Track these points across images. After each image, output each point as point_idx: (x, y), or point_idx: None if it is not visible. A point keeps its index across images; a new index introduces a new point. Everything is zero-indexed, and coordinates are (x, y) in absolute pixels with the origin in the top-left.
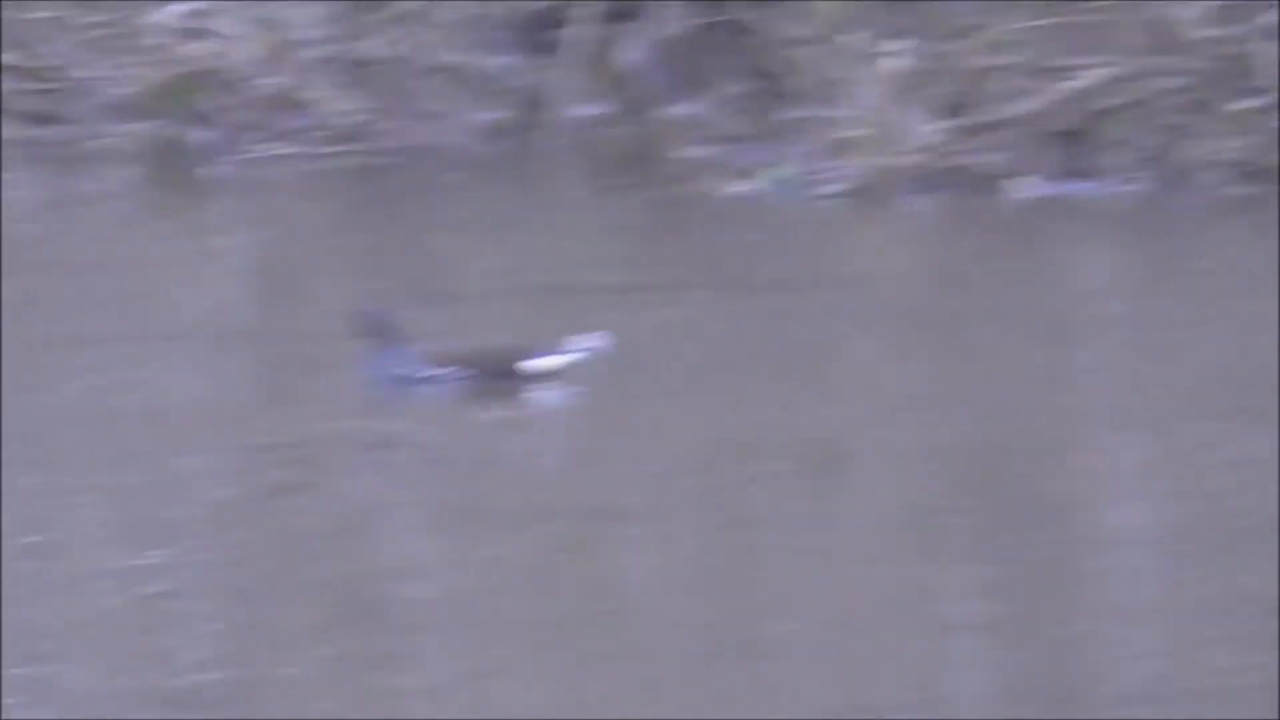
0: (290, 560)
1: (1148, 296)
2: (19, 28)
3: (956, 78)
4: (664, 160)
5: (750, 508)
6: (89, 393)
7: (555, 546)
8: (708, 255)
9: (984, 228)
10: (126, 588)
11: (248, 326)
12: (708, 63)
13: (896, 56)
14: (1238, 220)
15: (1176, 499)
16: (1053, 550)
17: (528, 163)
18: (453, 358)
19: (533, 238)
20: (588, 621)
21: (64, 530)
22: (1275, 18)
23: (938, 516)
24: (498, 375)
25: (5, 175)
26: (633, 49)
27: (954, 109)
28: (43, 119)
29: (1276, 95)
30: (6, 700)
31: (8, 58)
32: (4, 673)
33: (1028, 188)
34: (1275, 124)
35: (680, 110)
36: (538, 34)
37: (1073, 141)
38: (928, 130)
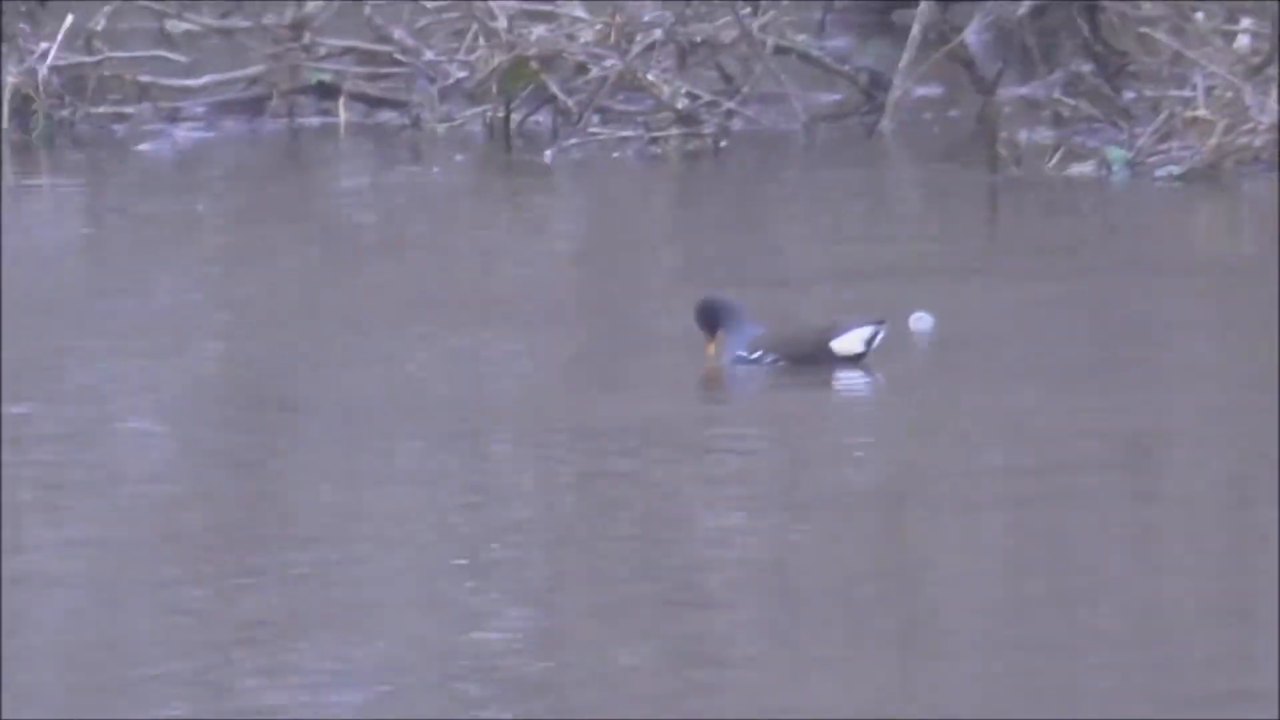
0: (607, 547)
1: None
2: (357, 17)
3: None
4: (1003, 142)
5: (1069, 495)
6: (414, 375)
7: (870, 532)
8: (1045, 238)
9: None
10: (439, 571)
11: (581, 309)
12: (1048, 43)
13: (1245, 35)
14: None
15: None
16: None
17: (866, 144)
18: (769, 342)
19: (870, 220)
20: (901, 609)
21: (380, 511)
22: None
23: (1262, 508)
24: (813, 358)
25: (343, 163)
26: (973, 30)
27: None
28: (381, 103)
29: None
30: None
31: (351, 42)
32: (311, 663)
33: None
34: None
35: (1020, 91)
36: (878, 15)
37: None
38: (1275, 109)
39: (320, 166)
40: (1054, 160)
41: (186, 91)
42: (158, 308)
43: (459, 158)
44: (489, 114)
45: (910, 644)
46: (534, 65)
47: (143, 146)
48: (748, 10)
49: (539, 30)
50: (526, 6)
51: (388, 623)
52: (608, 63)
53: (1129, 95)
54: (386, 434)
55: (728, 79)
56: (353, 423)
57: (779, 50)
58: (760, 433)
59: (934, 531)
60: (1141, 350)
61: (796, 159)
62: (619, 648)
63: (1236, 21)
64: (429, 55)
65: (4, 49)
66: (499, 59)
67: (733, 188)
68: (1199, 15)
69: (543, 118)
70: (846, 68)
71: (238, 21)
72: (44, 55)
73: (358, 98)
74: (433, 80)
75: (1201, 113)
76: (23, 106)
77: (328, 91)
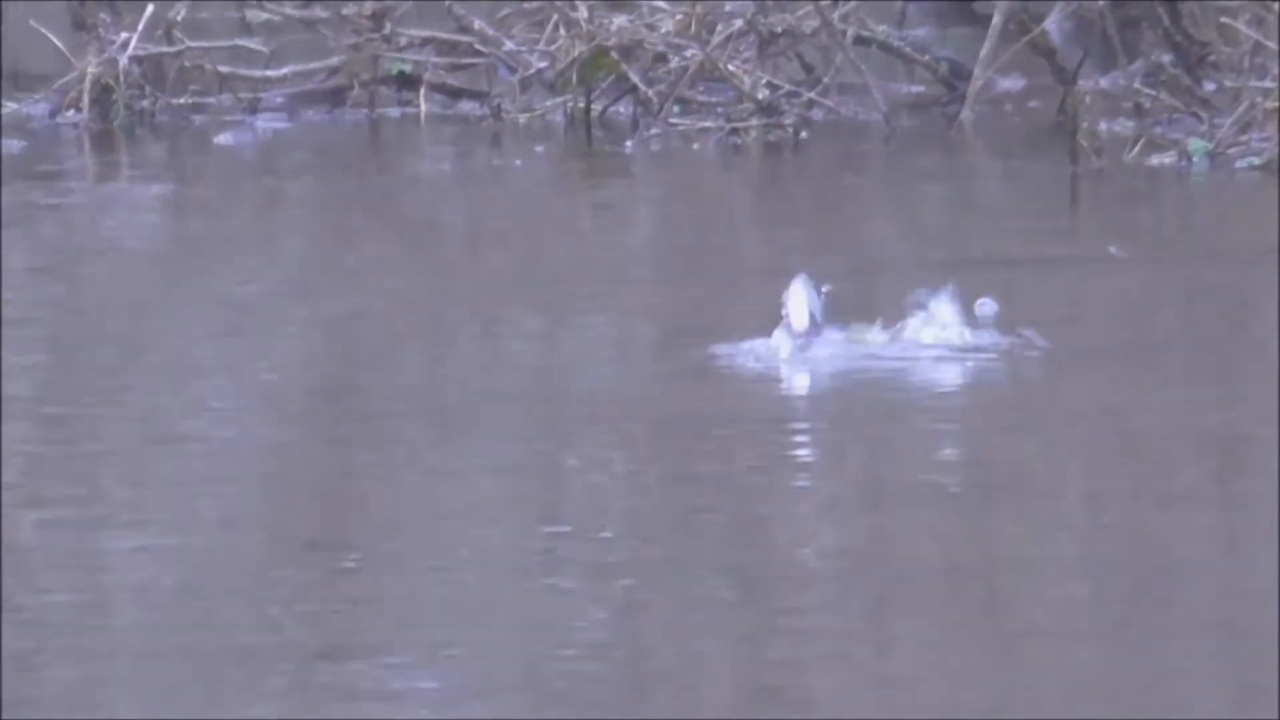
0: (684, 542)
1: None
2: (437, 8)
3: None
4: (1083, 132)
5: (1149, 492)
6: (487, 369)
7: (949, 526)
8: (1126, 228)
9: None
10: (517, 567)
11: (655, 301)
12: (1129, 33)
13: None
14: None
15: None
16: None
17: (947, 135)
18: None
19: (950, 211)
20: (986, 603)
21: (458, 507)
22: None
23: None
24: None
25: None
26: (1054, 20)
27: None
28: (462, 93)
29: None
30: (381, 676)
31: (431, 32)
32: (382, 658)
33: None
34: None
35: (1100, 82)
36: (959, 5)
37: None
38: None
39: (401, 157)
40: (1134, 151)
41: (266, 82)
42: (238, 299)
43: (539, 148)
44: (569, 104)
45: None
46: (614, 55)
47: (222, 137)
48: (828, 0)
49: (619, 20)
50: None
51: (465, 621)
52: (688, 53)
53: (1209, 86)
54: (469, 425)
55: (808, 69)
56: (435, 414)
57: (859, 40)
58: (845, 424)
59: (1021, 525)
60: (1230, 342)
61: (877, 149)
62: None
63: None
64: (509, 45)
65: (85, 39)
66: (579, 49)
67: (813, 178)
68: (1278, 5)
69: (623, 108)
70: (927, 58)
71: (318, 11)
72: (124, 45)
73: (438, 88)
74: (513, 71)
75: (1279, 103)
76: (103, 96)
77: (408, 82)
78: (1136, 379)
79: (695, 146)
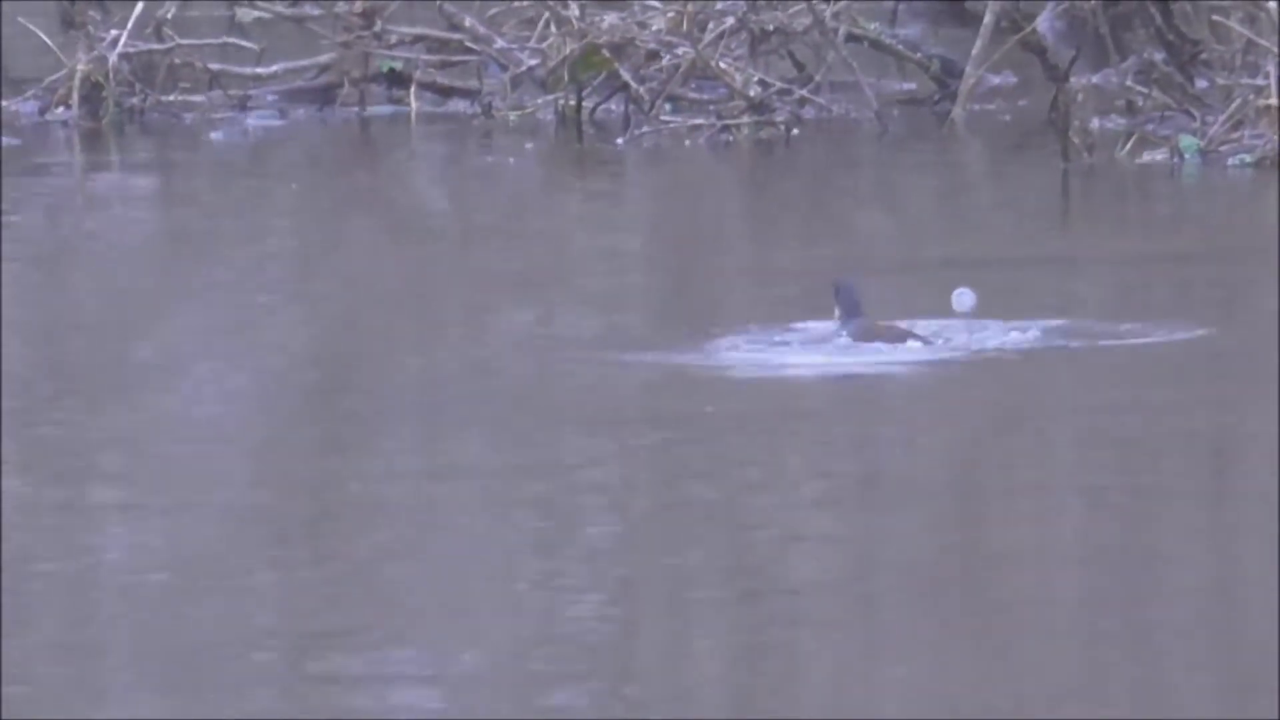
0: (680, 537)
1: None
2: (428, 5)
3: None
4: (1075, 130)
5: (1145, 486)
6: (487, 361)
7: (947, 523)
8: (1118, 227)
9: None
10: (511, 566)
11: (648, 299)
12: (1120, 31)
13: None
14: None
15: None
16: None
17: (938, 133)
18: (862, 334)
19: (942, 208)
20: (980, 602)
21: (444, 509)
22: None
23: None
24: (892, 342)
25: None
26: (1045, 18)
27: None
28: (453, 91)
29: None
30: (391, 674)
31: (422, 30)
32: (389, 652)
33: None
34: None
35: (1092, 79)
36: (950, 3)
37: None
38: None
39: (392, 155)
40: (1126, 148)
41: (257, 79)
42: (228, 296)
43: (530, 146)
44: (561, 102)
45: (986, 634)
46: (606, 53)
47: (213, 134)
48: None
49: (611, 18)
50: None
51: (460, 611)
52: (680, 50)
53: (1201, 84)
54: (459, 421)
55: (800, 67)
56: (426, 409)
57: (851, 38)
58: (836, 420)
59: (1012, 521)
60: (1221, 340)
61: (868, 147)
62: (695, 636)
63: None
64: (500, 43)
65: (75, 37)
66: (570, 47)
67: (804, 176)
68: (1271, 4)
69: (614, 106)
70: (919, 55)
71: (308, 9)
72: (114, 43)
73: (428, 86)
74: (504, 68)
75: (1274, 101)
76: (93, 94)
77: (398, 80)
78: (1115, 374)
79: (687, 144)
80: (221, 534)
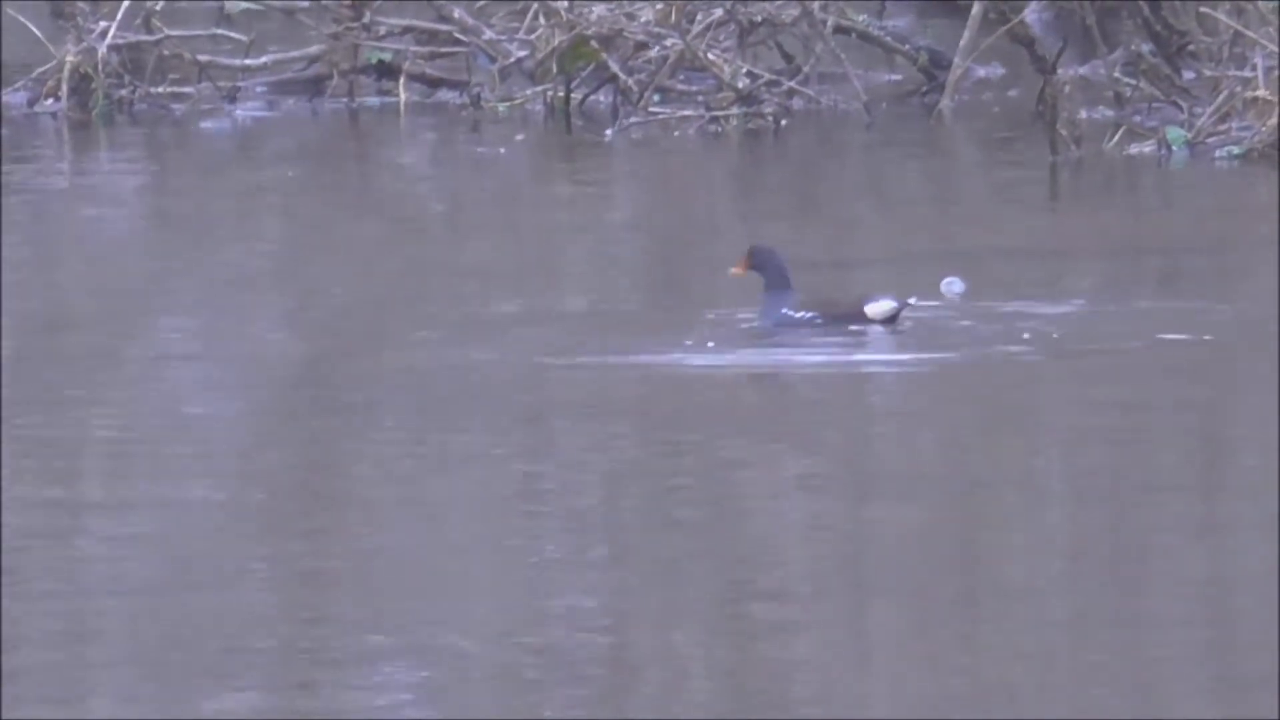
0: (667, 527)
1: None
2: None
3: None
4: (1063, 121)
5: (1133, 481)
6: (463, 359)
7: (938, 515)
8: (1106, 218)
9: None
10: (505, 552)
11: (633, 289)
12: (1108, 22)
13: None
14: None
15: None
16: None
17: (926, 124)
18: (809, 302)
19: (929, 199)
20: (968, 594)
21: (436, 496)
22: None
23: None
24: (848, 318)
25: (404, 138)
26: (1033, 9)
27: None
28: (441, 82)
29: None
30: (386, 663)
31: (413, 19)
32: (383, 639)
33: None
34: None
35: (1080, 71)
36: None
37: None
38: None
39: (381, 146)
40: (1114, 140)
41: (246, 71)
42: (218, 288)
43: (519, 137)
44: (549, 93)
45: (976, 629)
46: (594, 44)
47: (202, 125)
48: None
49: (599, 9)
50: None
51: (449, 604)
52: (668, 42)
53: (1188, 75)
54: (447, 413)
55: (788, 58)
56: (415, 402)
57: (839, 30)
58: (827, 414)
59: (1002, 515)
60: (1209, 332)
61: (856, 138)
62: (683, 631)
63: None
64: (489, 34)
65: (64, 28)
66: (559, 38)
67: (793, 167)
68: None
69: (603, 97)
70: (907, 47)
71: (297, 1)
72: (103, 34)
73: (417, 77)
74: (493, 59)
75: (1261, 93)
76: (82, 85)
77: (387, 71)
78: (1103, 364)
79: (675, 135)
80: (211, 526)
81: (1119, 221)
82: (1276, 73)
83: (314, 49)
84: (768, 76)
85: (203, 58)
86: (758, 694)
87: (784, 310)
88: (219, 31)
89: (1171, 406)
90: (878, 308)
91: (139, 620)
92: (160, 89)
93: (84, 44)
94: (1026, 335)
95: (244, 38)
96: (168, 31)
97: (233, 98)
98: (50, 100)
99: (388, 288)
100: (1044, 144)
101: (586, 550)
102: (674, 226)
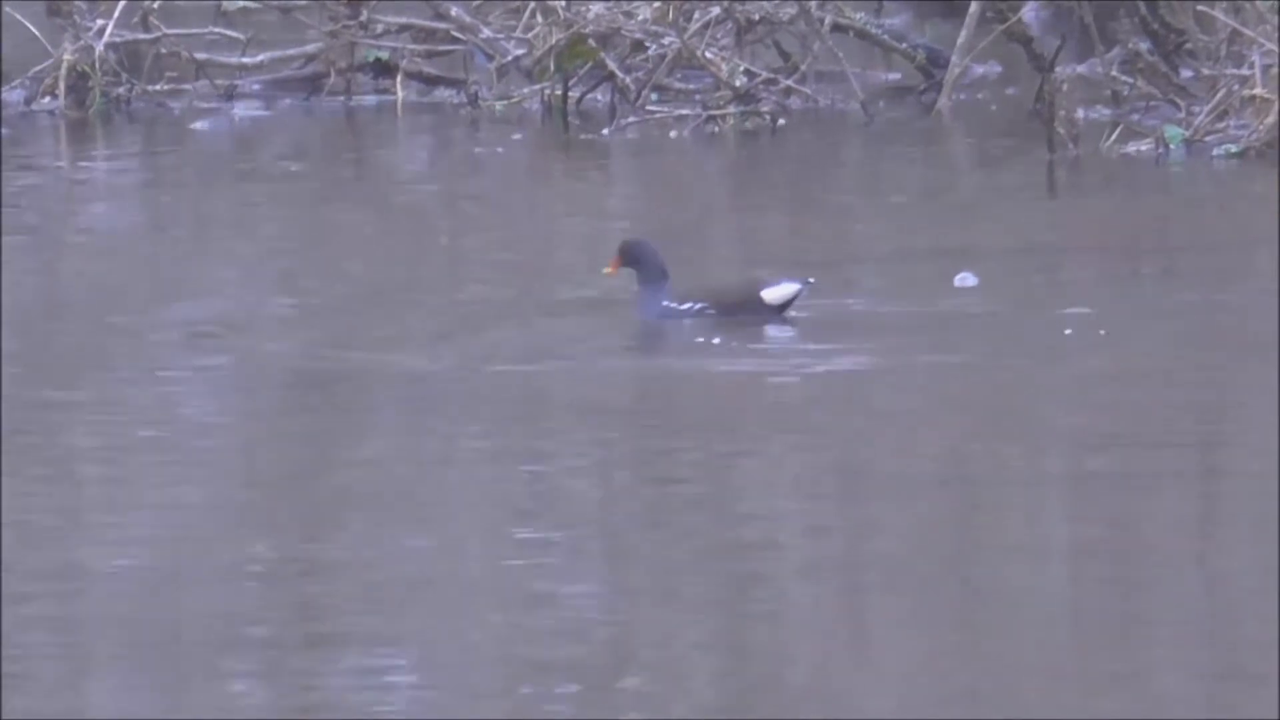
0: (663, 524)
1: None
2: None
3: None
4: (1060, 120)
5: (1129, 479)
6: (462, 359)
7: (932, 509)
8: (1104, 216)
9: None
10: (503, 557)
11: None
12: (1106, 21)
13: None
14: None
15: None
16: None
17: (924, 122)
18: (698, 291)
19: (927, 198)
20: (962, 590)
21: (430, 500)
22: None
23: None
24: (742, 307)
25: (403, 136)
26: (1031, 7)
27: None
28: (439, 81)
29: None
30: (383, 665)
31: (410, 18)
32: (385, 640)
33: None
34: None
35: (1077, 69)
36: None
37: None
38: None
39: (378, 144)
40: (1111, 139)
41: (243, 69)
42: (215, 286)
43: (517, 136)
44: (547, 92)
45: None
46: (592, 43)
47: (199, 124)
48: None
49: (597, 7)
50: None
51: (445, 603)
52: (665, 40)
53: (1186, 73)
54: (447, 412)
55: (785, 57)
56: (413, 403)
57: (837, 28)
58: (819, 410)
59: (997, 507)
60: (1207, 329)
61: (854, 137)
62: (680, 628)
63: None
64: (486, 33)
65: (61, 26)
66: (557, 36)
67: (790, 166)
68: None
69: (600, 95)
70: (904, 46)
71: None
72: (100, 32)
73: (415, 76)
74: (490, 58)
75: (1259, 91)
76: (79, 84)
77: (385, 69)
78: (1102, 361)
79: (673, 134)
80: (209, 525)
81: (1116, 219)
82: (1274, 71)
83: (311, 47)
84: (765, 75)
85: (200, 56)
86: (756, 692)
87: (665, 303)
88: (216, 30)
89: (1166, 395)
90: (777, 292)
91: (138, 620)
92: (158, 87)
93: (81, 42)
94: (1022, 328)
95: (241, 36)
96: (165, 30)
97: (230, 96)
98: (47, 98)
99: (384, 287)
100: (1042, 142)
101: (585, 549)
102: (670, 225)
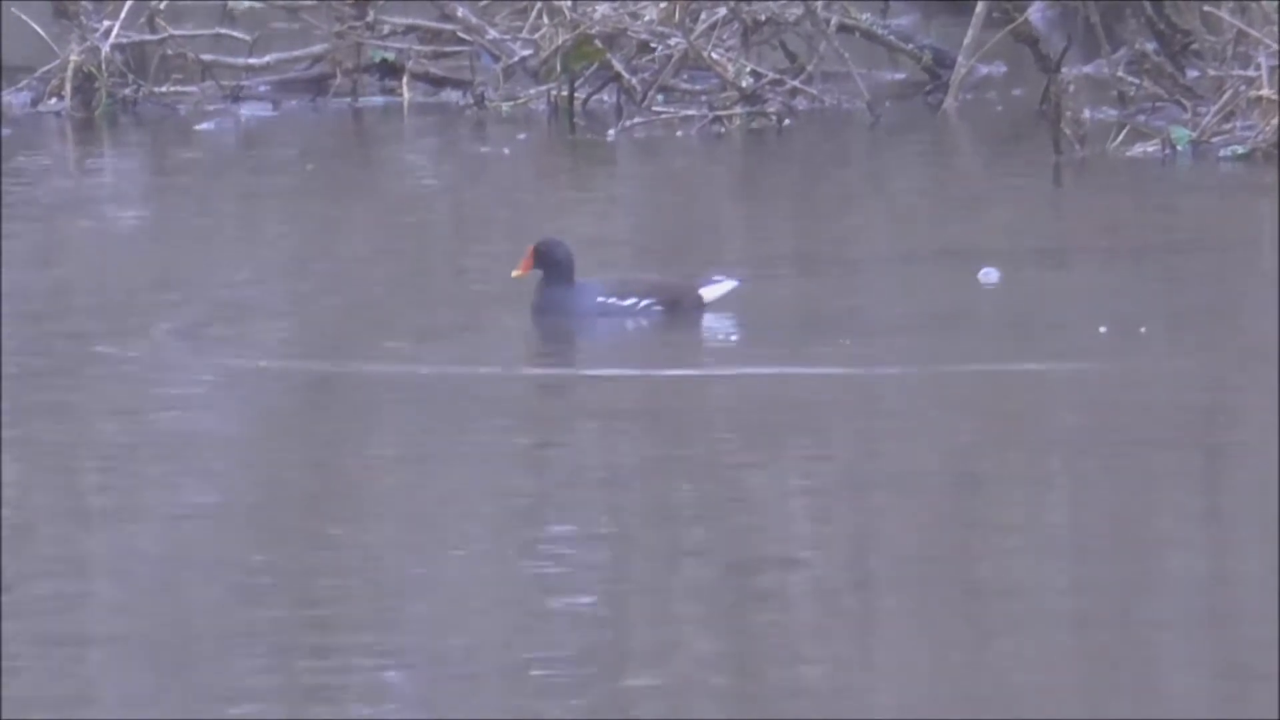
0: (669, 527)
1: None
2: None
3: None
4: (1067, 121)
5: (1129, 479)
6: (468, 360)
7: (937, 508)
8: (1108, 218)
9: None
10: (511, 556)
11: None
12: (1112, 21)
13: None
14: None
15: None
16: None
17: (930, 123)
18: (639, 288)
19: (933, 199)
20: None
21: (433, 501)
22: None
23: None
24: (682, 303)
25: (409, 136)
26: (1037, 8)
27: None
28: (445, 82)
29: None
30: (380, 665)
31: (416, 19)
32: (386, 641)
33: None
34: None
35: (1084, 70)
36: None
37: None
38: None
39: (384, 146)
40: (1118, 140)
41: (249, 70)
42: (222, 288)
43: (522, 136)
44: (553, 93)
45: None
46: (598, 44)
47: (205, 125)
48: None
49: (603, 8)
50: None
51: (449, 602)
52: (672, 41)
53: (1192, 74)
54: (453, 413)
55: (792, 57)
56: (416, 408)
57: (843, 28)
58: (825, 409)
59: (1002, 506)
60: (1209, 328)
61: (860, 138)
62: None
63: None
64: (493, 34)
65: (67, 27)
66: (563, 37)
67: (796, 166)
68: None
69: (607, 96)
70: (910, 46)
71: (301, 0)
72: (107, 33)
73: (421, 77)
74: (496, 59)
75: (1265, 92)
76: (85, 85)
77: (391, 70)
78: (1105, 360)
79: (679, 135)
80: (208, 523)
81: (1123, 220)
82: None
83: (318, 48)
84: (771, 76)
85: (206, 57)
86: (760, 695)
87: (600, 299)
88: (222, 31)
89: (1169, 394)
90: (715, 290)
91: (139, 623)
92: (164, 88)
93: (88, 43)
94: (1025, 327)
95: (247, 37)
96: (171, 31)
97: (236, 97)
98: (54, 100)
99: (389, 290)
100: (1048, 143)
101: (588, 553)
102: (675, 227)
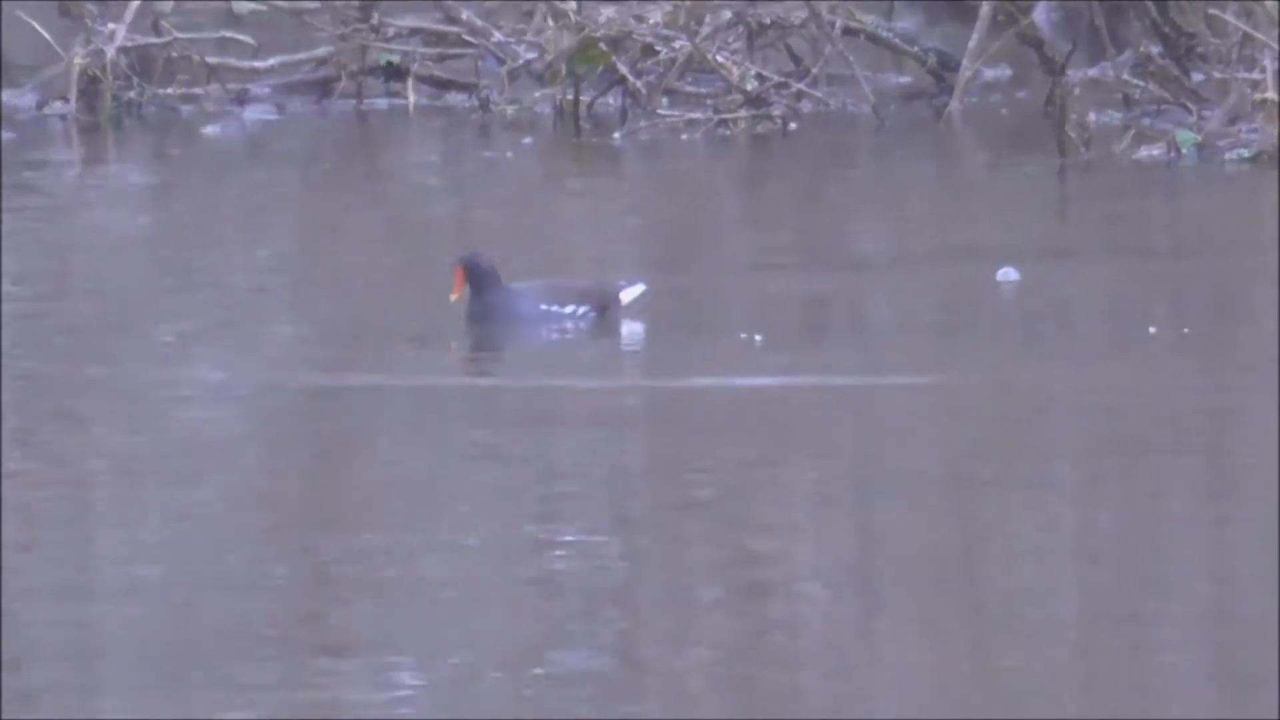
0: (672, 533)
1: None
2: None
3: None
4: (1072, 124)
5: (1129, 480)
6: (471, 365)
7: (944, 512)
8: (1114, 220)
9: None
10: (510, 561)
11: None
12: (1118, 24)
13: None
14: None
15: None
16: None
17: (935, 126)
18: (572, 295)
19: (938, 202)
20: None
21: (437, 507)
22: None
23: None
24: (607, 307)
25: (413, 140)
26: (1042, 11)
27: None
28: (450, 85)
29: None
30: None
31: (421, 21)
32: (389, 642)
33: None
34: None
35: (1089, 72)
36: None
37: None
38: None
39: (389, 148)
40: (1124, 143)
41: (254, 73)
42: (227, 292)
43: (527, 140)
44: (558, 96)
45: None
46: (603, 47)
47: (210, 128)
48: None
49: (608, 11)
50: None
51: (455, 610)
52: (677, 44)
53: (1198, 77)
54: (457, 414)
55: (797, 60)
56: (421, 411)
57: (848, 31)
58: (825, 415)
59: (1008, 511)
60: (1215, 331)
61: (865, 141)
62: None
63: None
64: (498, 36)
65: (72, 30)
66: (568, 40)
67: (801, 170)
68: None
69: (612, 99)
70: (915, 49)
71: (306, 2)
72: (112, 36)
73: (426, 79)
74: (501, 62)
75: (1270, 95)
76: (90, 88)
77: (396, 73)
78: (1112, 364)
79: (684, 138)
80: (214, 529)
81: (1128, 225)
82: None
83: (322, 51)
84: (776, 79)
85: (211, 60)
86: (765, 698)
87: (542, 306)
88: (227, 34)
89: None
90: (631, 293)
91: (143, 626)
92: (169, 91)
93: (93, 46)
94: (1034, 332)
95: (252, 40)
96: (176, 34)
97: (241, 100)
98: (59, 102)
99: (393, 294)
100: (1053, 146)
101: (594, 558)
102: (681, 231)
